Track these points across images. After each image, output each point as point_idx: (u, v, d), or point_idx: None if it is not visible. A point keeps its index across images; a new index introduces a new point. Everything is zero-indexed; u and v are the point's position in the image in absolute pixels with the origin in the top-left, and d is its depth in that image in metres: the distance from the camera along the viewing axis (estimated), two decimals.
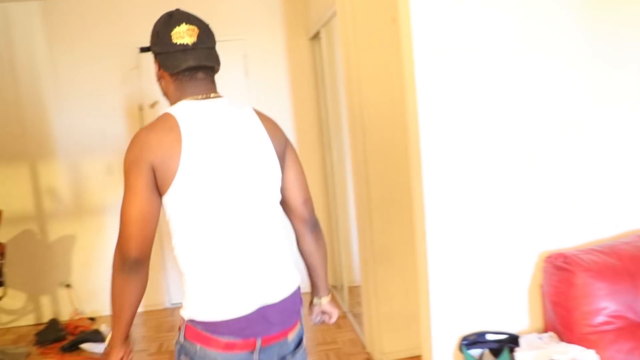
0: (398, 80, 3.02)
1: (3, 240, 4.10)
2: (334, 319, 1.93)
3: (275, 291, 1.59)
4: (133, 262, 1.46)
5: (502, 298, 2.40)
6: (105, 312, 4.63)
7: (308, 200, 1.76)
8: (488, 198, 2.30)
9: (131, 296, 1.50)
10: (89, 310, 4.67)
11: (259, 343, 1.54)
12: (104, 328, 4.19)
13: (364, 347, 3.57)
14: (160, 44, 1.57)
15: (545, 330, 2.37)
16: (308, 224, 1.78)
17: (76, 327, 4.32)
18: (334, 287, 4.74)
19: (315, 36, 4.28)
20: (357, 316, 3.96)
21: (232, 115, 1.61)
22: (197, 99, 1.58)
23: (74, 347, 3.98)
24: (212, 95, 1.63)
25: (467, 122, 2.25)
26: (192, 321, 1.54)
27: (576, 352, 2.07)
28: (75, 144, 4.48)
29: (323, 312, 1.91)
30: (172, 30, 1.55)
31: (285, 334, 1.62)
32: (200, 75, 1.61)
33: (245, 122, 1.62)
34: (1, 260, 3.97)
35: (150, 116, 4.40)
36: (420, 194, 2.26)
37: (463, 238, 2.30)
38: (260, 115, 1.69)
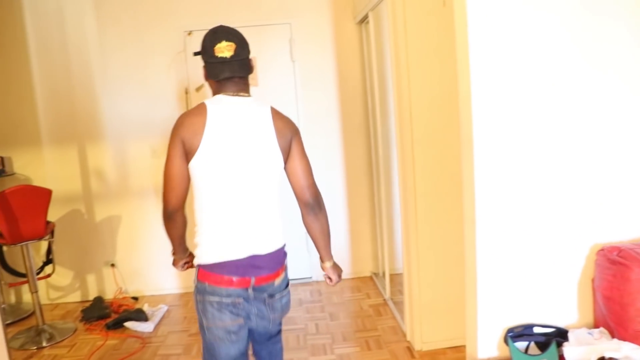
0: (448, 66, 2.97)
1: (52, 220, 4.21)
2: (333, 282, 2.32)
3: (263, 246, 2.08)
4: (170, 211, 2.03)
5: (550, 290, 2.35)
6: (148, 293, 4.74)
7: (310, 187, 2.15)
8: (540, 188, 2.25)
9: (174, 232, 2.12)
10: (132, 289, 4.77)
11: (252, 281, 2.05)
12: (147, 308, 4.28)
13: (404, 335, 3.54)
14: (206, 55, 2.06)
15: (596, 326, 2.31)
16: (308, 206, 2.16)
17: (120, 305, 4.42)
18: (375, 274, 4.72)
19: (363, 20, 4.22)
20: (398, 304, 3.93)
21: (251, 111, 2.06)
22: (228, 94, 2.06)
23: (117, 325, 4.05)
24: (241, 93, 2.08)
25: (521, 112, 2.19)
26: (201, 265, 2.08)
27: (629, 349, 2.00)
28: (122, 127, 4.55)
29: (326, 274, 2.33)
30: (215, 45, 2.02)
31: (272, 278, 2.12)
32: (235, 79, 2.08)
33: (259, 118, 2.06)
34: (50, 238, 4.08)
35: (196, 99, 4.43)
36: (471, 183, 2.22)
37: (513, 228, 2.26)
38: (275, 114, 2.11)
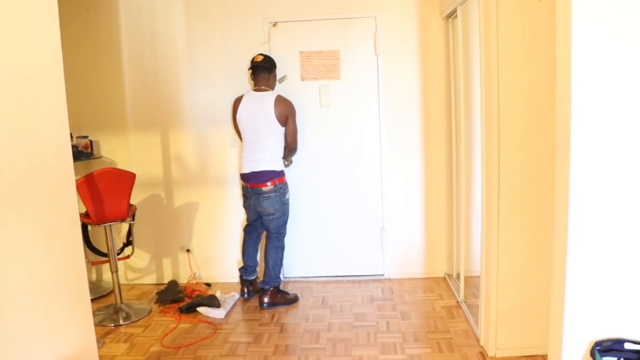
0: (542, 64, 2.86)
1: (134, 203, 4.34)
2: None
3: (256, 168, 4.06)
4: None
5: None
6: (221, 280, 4.84)
7: (291, 142, 4.20)
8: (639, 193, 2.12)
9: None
10: (205, 275, 4.88)
11: (249, 185, 4.13)
12: (219, 294, 4.35)
13: (477, 339, 3.44)
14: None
15: None
16: (287, 148, 4.23)
17: (193, 290, 4.52)
18: (449, 275, 4.63)
19: (451, 15, 4.12)
20: (472, 307, 3.83)
21: (263, 98, 4.14)
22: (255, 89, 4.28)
23: (190, 309, 4.15)
24: (262, 88, 4.20)
25: (627, 117, 2.06)
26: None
27: None
28: (203, 116, 4.65)
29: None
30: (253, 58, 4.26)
31: (259, 186, 4.07)
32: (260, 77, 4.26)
33: (266, 102, 4.08)
34: (131, 221, 4.21)
35: (278, 89, 4.46)
36: (565, 185, 2.12)
37: (607, 234, 2.14)
38: (278, 99, 4.07)
